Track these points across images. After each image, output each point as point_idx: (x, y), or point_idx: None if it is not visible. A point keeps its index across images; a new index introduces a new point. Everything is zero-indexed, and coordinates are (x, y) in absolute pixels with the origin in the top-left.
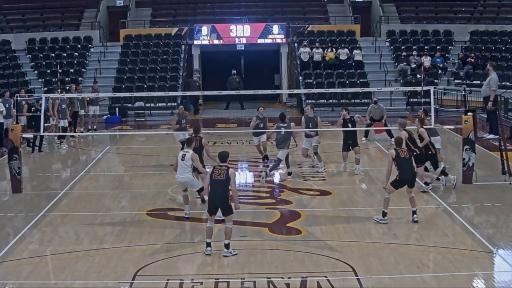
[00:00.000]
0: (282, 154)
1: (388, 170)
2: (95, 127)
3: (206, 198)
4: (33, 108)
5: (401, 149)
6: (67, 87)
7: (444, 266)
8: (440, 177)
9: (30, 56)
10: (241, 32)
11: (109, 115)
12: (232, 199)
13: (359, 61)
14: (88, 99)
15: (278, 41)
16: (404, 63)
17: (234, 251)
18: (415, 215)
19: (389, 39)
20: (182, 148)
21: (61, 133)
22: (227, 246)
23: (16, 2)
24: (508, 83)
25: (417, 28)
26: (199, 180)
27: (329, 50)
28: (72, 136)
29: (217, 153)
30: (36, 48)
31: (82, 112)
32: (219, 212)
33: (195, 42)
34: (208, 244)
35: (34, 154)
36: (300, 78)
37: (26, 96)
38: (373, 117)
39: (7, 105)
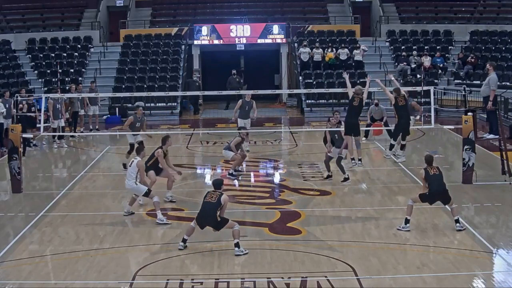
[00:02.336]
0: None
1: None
2: (97, 127)
3: (156, 199)
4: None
5: (431, 166)
6: (67, 87)
7: (444, 266)
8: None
9: (30, 56)
10: (241, 32)
11: (109, 115)
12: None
13: (359, 61)
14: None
15: (278, 41)
16: (404, 63)
17: (245, 250)
18: (457, 224)
19: (389, 39)
20: (130, 151)
21: (60, 133)
22: (237, 245)
23: (16, 2)
24: (508, 83)
25: (417, 28)
26: (140, 185)
27: (329, 50)
28: (72, 136)
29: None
30: (36, 48)
31: (82, 112)
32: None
33: (195, 42)
34: (184, 240)
35: (35, 154)
36: (300, 78)
37: (27, 96)
38: (373, 117)
39: (7, 105)
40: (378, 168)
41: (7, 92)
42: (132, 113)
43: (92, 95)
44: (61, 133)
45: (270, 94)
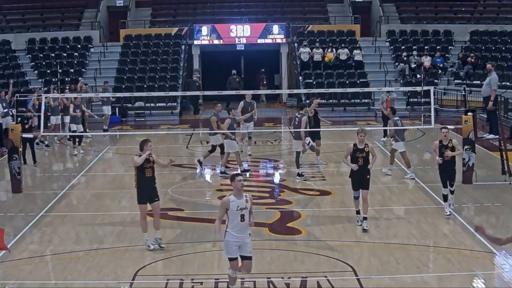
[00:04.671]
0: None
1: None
2: (105, 127)
3: None
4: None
5: None
6: (66, 87)
7: (444, 266)
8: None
9: (30, 56)
10: (241, 32)
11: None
12: None
13: (359, 61)
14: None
15: (278, 41)
16: (404, 63)
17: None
18: None
19: (389, 39)
20: (211, 151)
21: (59, 133)
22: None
23: (16, 2)
24: (508, 83)
25: (417, 28)
26: None
27: (329, 50)
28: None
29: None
30: (36, 48)
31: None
32: None
33: (195, 42)
34: None
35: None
36: (300, 78)
37: (37, 95)
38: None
39: (5, 105)
40: (378, 168)
41: (2, 92)
42: (212, 113)
43: (93, 95)
44: (60, 133)
45: (270, 94)
